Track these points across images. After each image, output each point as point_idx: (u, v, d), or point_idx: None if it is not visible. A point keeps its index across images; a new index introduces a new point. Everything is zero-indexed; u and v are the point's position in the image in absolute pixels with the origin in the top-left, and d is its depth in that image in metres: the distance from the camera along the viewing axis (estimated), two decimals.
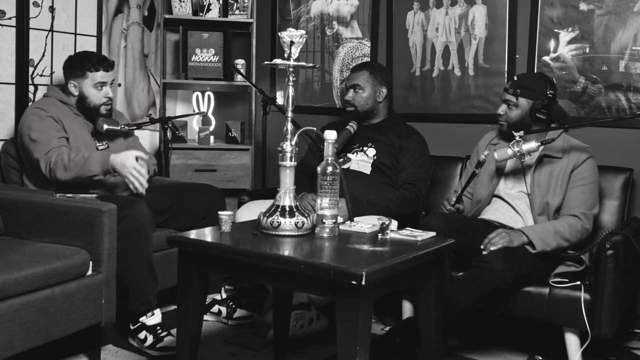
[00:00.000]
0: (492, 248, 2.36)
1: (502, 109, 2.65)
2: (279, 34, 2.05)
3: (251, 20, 3.91)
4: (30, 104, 3.07)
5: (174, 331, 2.48)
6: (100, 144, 2.87)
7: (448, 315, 2.25)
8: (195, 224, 2.84)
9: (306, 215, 1.99)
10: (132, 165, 2.64)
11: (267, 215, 1.98)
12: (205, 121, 4.01)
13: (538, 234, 2.41)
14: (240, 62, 3.90)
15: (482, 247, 2.40)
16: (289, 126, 2.03)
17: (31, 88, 3.13)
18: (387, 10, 3.55)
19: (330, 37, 3.82)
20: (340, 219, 2.04)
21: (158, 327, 2.55)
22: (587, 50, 2.94)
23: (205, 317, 2.84)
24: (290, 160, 2.01)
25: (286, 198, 1.99)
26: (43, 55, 3.18)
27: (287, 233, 1.95)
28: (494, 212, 2.66)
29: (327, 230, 1.96)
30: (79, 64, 2.81)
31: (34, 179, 2.79)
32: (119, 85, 3.67)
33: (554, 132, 2.57)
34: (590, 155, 2.55)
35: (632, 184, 2.75)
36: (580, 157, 2.53)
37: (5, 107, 3.04)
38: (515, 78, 2.65)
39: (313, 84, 3.90)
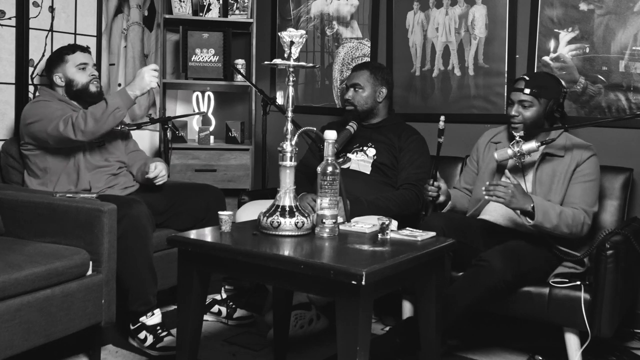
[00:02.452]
0: (491, 198, 2.34)
1: (515, 109, 2.57)
2: (279, 34, 2.05)
3: (251, 20, 3.91)
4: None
5: (174, 331, 2.48)
6: (97, 141, 2.86)
7: (448, 315, 2.25)
8: (195, 224, 2.84)
9: (306, 215, 1.99)
10: (149, 74, 2.70)
11: (267, 215, 1.98)
12: (205, 121, 4.01)
13: (542, 207, 2.36)
14: (240, 62, 3.90)
15: (483, 189, 2.38)
16: (289, 126, 2.03)
17: (31, 88, 3.13)
18: (387, 10, 3.55)
19: (330, 37, 3.81)
20: (340, 219, 2.05)
21: (158, 327, 2.55)
22: (587, 50, 2.94)
23: (205, 317, 2.84)
24: (290, 160, 2.01)
25: (286, 198, 1.99)
26: (43, 55, 3.17)
27: (287, 233, 1.95)
28: (493, 212, 2.66)
29: (327, 230, 1.96)
30: (57, 54, 2.90)
31: (37, 177, 2.78)
32: (119, 85, 3.66)
33: (554, 132, 2.57)
34: (594, 153, 2.54)
35: (632, 184, 2.75)
36: (584, 155, 2.53)
37: (5, 107, 3.04)
38: (527, 78, 2.57)
39: (313, 84, 3.90)
